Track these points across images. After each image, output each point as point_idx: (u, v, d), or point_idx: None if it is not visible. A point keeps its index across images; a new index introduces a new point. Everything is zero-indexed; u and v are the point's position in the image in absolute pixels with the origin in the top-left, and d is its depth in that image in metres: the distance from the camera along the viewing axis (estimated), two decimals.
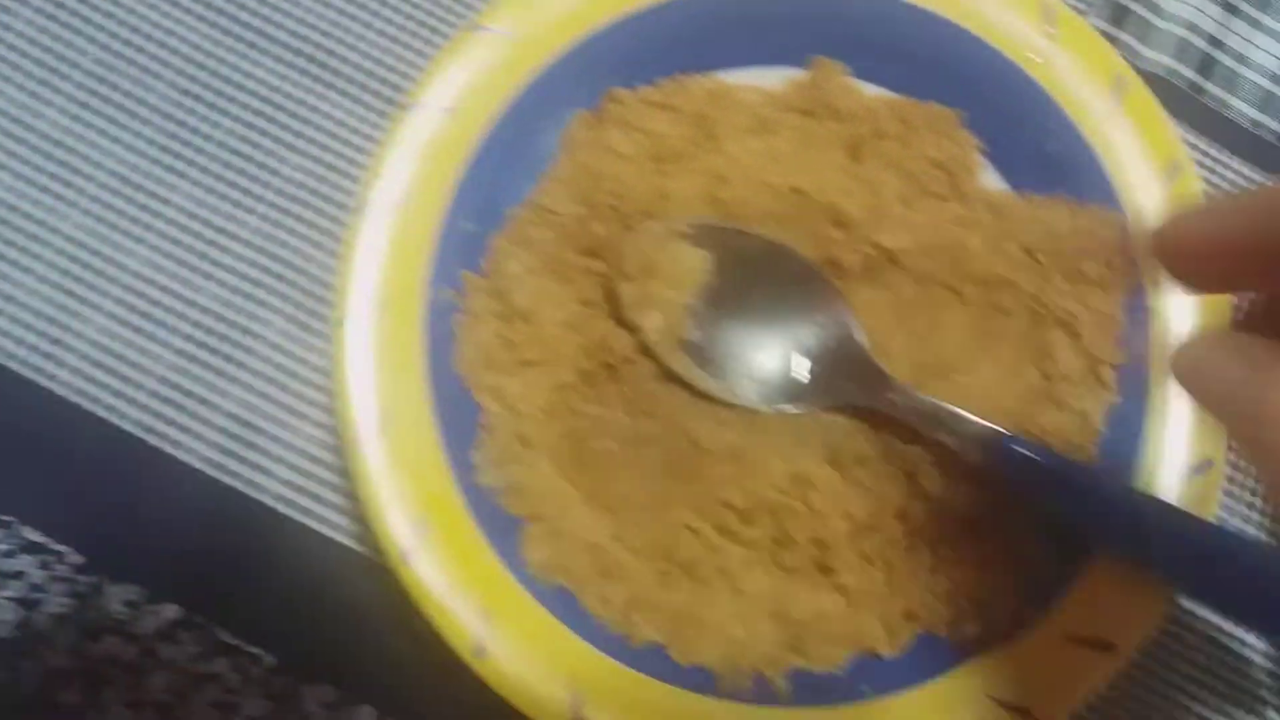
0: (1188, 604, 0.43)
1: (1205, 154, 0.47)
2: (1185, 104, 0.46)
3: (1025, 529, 0.39)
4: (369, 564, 0.40)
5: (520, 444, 0.38)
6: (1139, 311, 0.41)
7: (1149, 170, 0.41)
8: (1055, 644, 0.38)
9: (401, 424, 0.37)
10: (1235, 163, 0.47)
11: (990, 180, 0.43)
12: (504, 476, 0.38)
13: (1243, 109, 0.46)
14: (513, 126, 0.39)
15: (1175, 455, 0.40)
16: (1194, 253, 0.27)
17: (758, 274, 0.40)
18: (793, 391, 0.40)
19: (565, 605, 0.37)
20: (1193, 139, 0.47)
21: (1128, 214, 0.41)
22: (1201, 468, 0.40)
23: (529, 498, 0.38)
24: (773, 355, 0.40)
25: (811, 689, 0.37)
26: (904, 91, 0.42)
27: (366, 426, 0.37)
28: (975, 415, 0.38)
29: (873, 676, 0.38)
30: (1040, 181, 0.42)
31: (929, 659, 0.38)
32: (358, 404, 0.37)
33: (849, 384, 0.39)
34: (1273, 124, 0.48)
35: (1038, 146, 0.42)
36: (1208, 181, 0.46)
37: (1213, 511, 0.40)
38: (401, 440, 0.37)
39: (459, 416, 0.38)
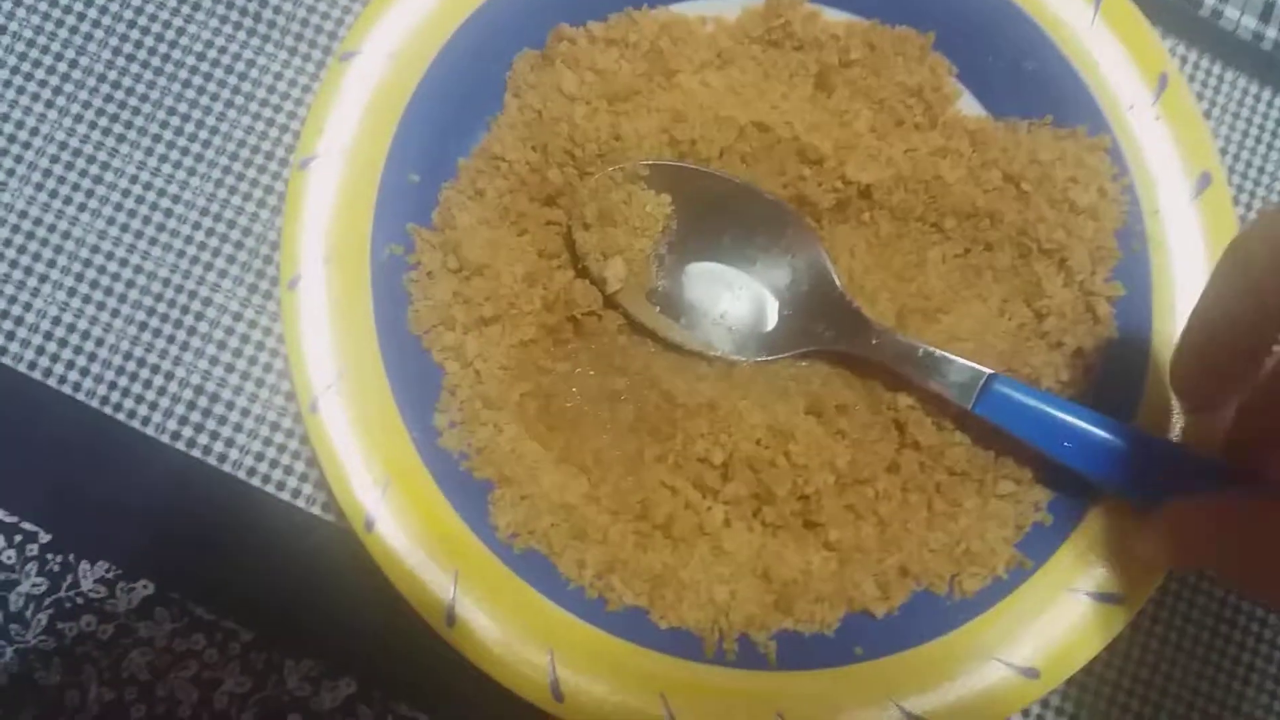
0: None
1: (1197, 66, 0.44)
2: (1176, 14, 0.43)
3: (1024, 476, 0.38)
4: (340, 533, 0.39)
5: (483, 404, 0.37)
6: (1135, 240, 0.39)
7: (1136, 84, 0.39)
8: (1061, 598, 0.36)
9: (357, 388, 0.36)
10: (1231, 75, 0.44)
11: (967, 106, 0.40)
12: (468, 439, 0.37)
13: (1239, 18, 0.43)
14: (455, 71, 0.37)
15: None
16: (1202, 379, 0.32)
17: (724, 216, 0.38)
18: (767, 339, 0.39)
19: (538, 570, 0.36)
20: (1183, 50, 0.44)
21: (1116, 134, 0.39)
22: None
23: (495, 460, 0.37)
24: (743, 301, 0.39)
25: (801, 652, 0.36)
26: (870, 15, 0.40)
27: (322, 392, 0.35)
28: (961, 357, 0.36)
29: (866, 637, 0.36)
30: (1020, 105, 0.40)
31: (927, 618, 0.37)
32: (311, 368, 0.36)
33: (826, 328, 0.38)
34: (1274, 33, 0.45)
35: (1015, 67, 0.39)
36: (1200, 96, 0.44)
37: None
38: (358, 405, 0.36)
39: (419, 378, 0.37)
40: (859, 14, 0.40)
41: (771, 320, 0.39)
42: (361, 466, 0.35)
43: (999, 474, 0.38)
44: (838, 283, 0.38)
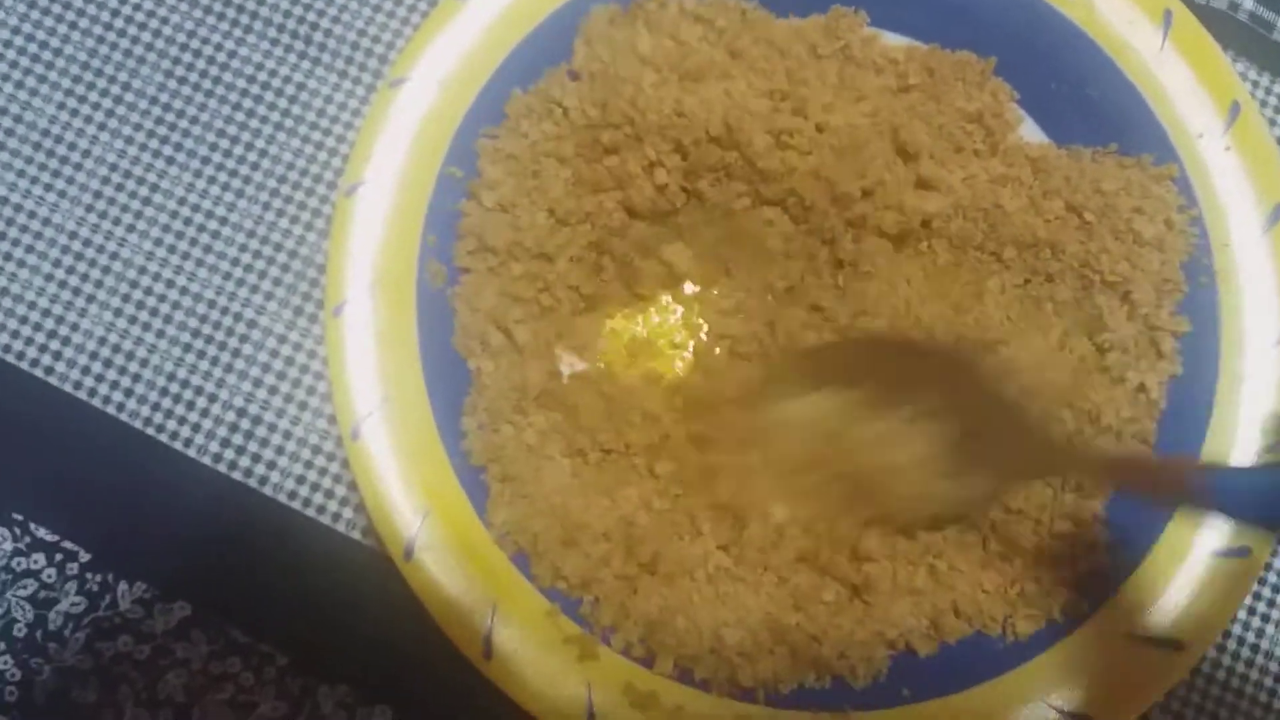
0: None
1: (1270, 92, 0.42)
2: (1249, 38, 0.42)
3: (1082, 515, 0.36)
4: (379, 559, 0.38)
5: (516, 396, 0.36)
6: (1203, 274, 0.37)
7: (1206, 112, 0.37)
8: (1118, 643, 0.35)
9: (399, 415, 0.35)
10: None
11: (1029, 133, 0.39)
12: (491, 439, 0.36)
13: None
14: (504, 99, 0.37)
15: (1248, 435, 0.36)
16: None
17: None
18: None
19: (578, 605, 0.35)
20: (1254, 75, 0.42)
21: (1184, 164, 0.38)
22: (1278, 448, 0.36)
23: (503, 458, 0.36)
24: None
25: (844, 691, 0.35)
26: (930, 39, 0.39)
27: (364, 419, 0.35)
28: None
29: (914, 679, 0.35)
30: (1085, 133, 0.38)
31: (977, 661, 0.35)
32: (354, 395, 0.35)
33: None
34: None
35: (1079, 93, 0.38)
36: (1273, 123, 0.42)
37: None
38: (400, 433, 0.35)
39: (452, 393, 0.36)
40: (918, 38, 0.39)
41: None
42: (402, 495, 0.35)
43: (1056, 513, 0.36)
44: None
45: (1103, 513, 0.36)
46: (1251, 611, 0.39)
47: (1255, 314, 0.37)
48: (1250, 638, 0.39)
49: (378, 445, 0.35)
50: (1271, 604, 0.39)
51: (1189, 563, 0.35)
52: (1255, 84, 0.42)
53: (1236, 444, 0.36)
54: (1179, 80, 0.37)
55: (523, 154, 0.37)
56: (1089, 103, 0.38)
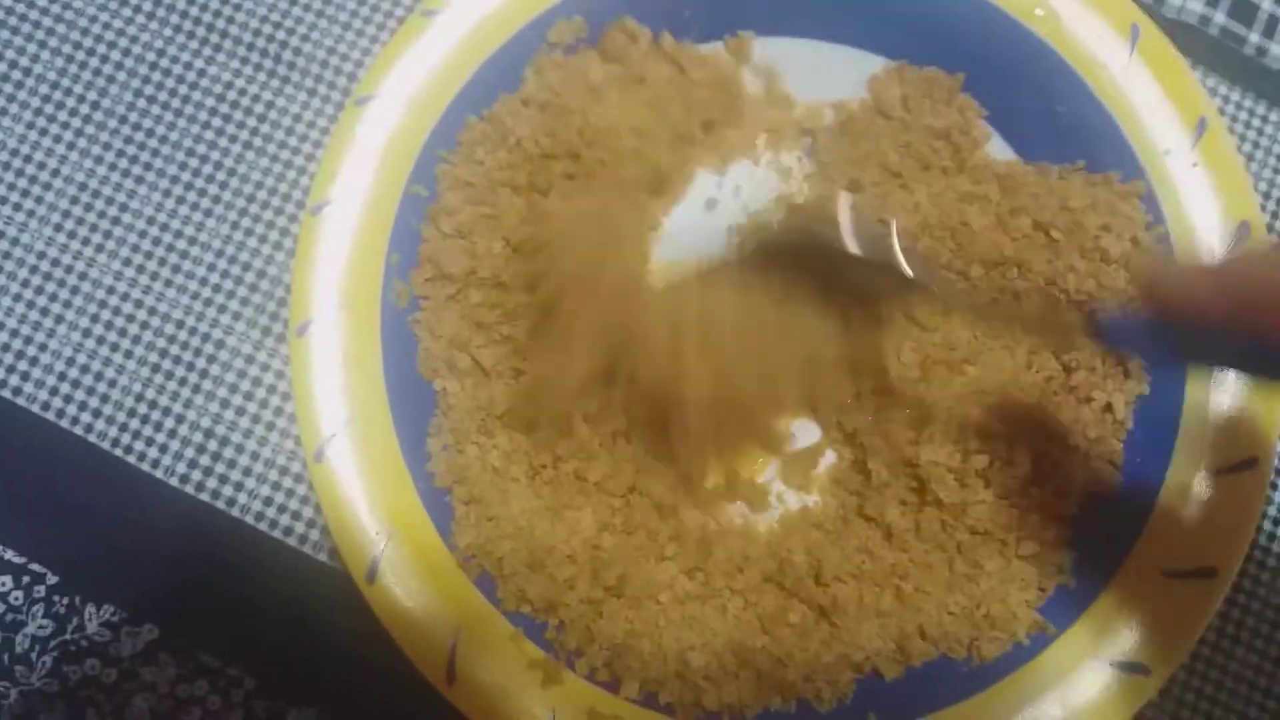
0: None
1: (1240, 107, 0.42)
2: (1219, 53, 0.41)
3: (1047, 536, 0.36)
4: (346, 581, 0.38)
5: (481, 417, 0.36)
6: None
7: (1173, 129, 0.37)
8: (1084, 665, 0.35)
9: (363, 436, 0.35)
10: (1276, 115, 0.42)
11: (997, 149, 0.39)
12: (456, 459, 0.36)
13: None
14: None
15: (1216, 451, 0.36)
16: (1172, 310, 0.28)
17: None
18: None
19: (541, 629, 0.35)
20: (1225, 90, 0.42)
21: (1151, 181, 0.37)
22: (1245, 465, 0.36)
23: (469, 479, 0.36)
24: None
25: (798, 715, 0.35)
26: (898, 56, 0.39)
27: (327, 440, 0.35)
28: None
29: (880, 703, 0.35)
30: (1053, 149, 0.38)
31: (943, 684, 0.35)
32: (318, 416, 0.35)
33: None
34: None
35: (1047, 110, 0.38)
36: (1243, 138, 0.42)
37: (1257, 511, 0.36)
38: (364, 453, 0.35)
39: (417, 415, 0.36)
40: (887, 54, 0.39)
41: None
42: (365, 516, 0.35)
43: (1022, 534, 0.36)
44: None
45: (1069, 534, 0.36)
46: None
47: None
48: (1219, 659, 0.39)
49: (341, 467, 0.35)
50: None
51: (1150, 587, 0.35)
52: (1226, 99, 0.42)
53: (1204, 459, 0.36)
54: (1146, 96, 0.37)
55: (478, 181, 0.37)
56: (1057, 119, 0.38)
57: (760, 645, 0.35)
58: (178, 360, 0.39)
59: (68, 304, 0.40)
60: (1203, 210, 0.37)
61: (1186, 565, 0.35)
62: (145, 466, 0.39)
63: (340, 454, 0.35)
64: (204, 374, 0.39)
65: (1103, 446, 0.37)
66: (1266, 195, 0.42)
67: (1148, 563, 0.35)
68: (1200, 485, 0.36)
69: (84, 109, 0.41)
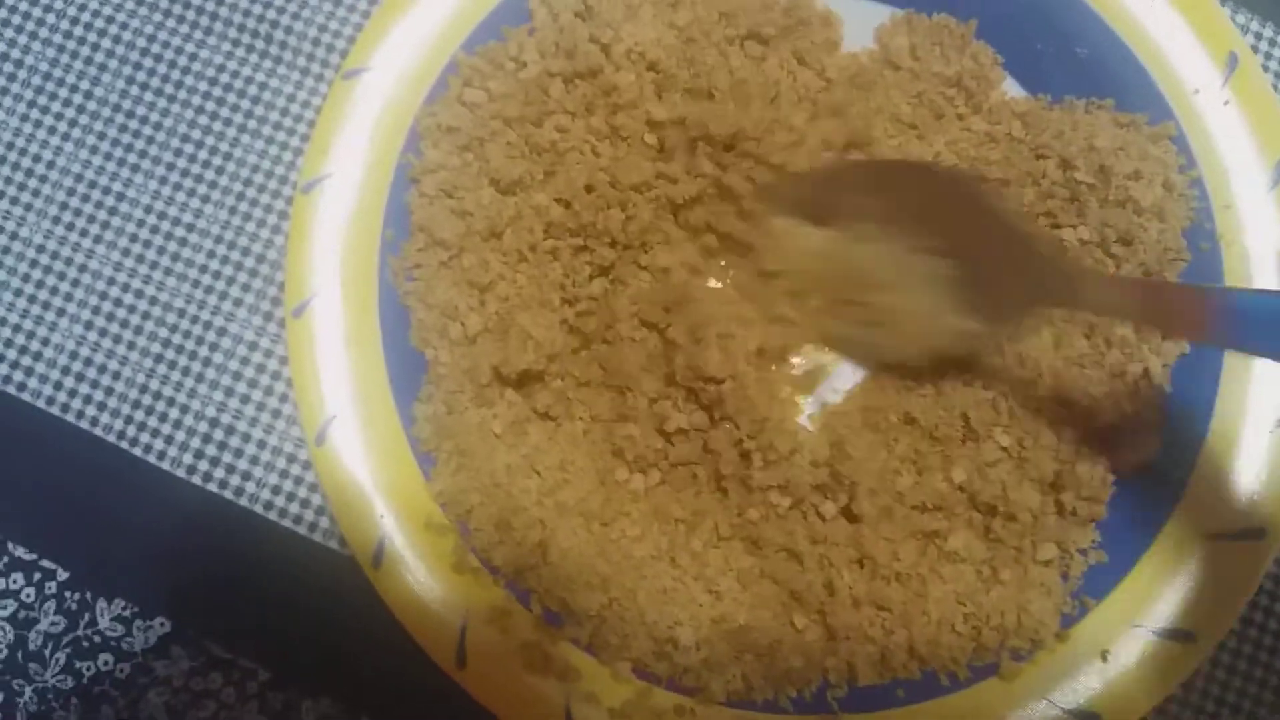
0: None
1: (1274, 43, 0.40)
2: None
3: (1048, 555, 0.34)
4: (355, 567, 0.37)
5: (469, 383, 0.35)
6: (1204, 238, 0.35)
7: (1202, 65, 0.35)
8: (1130, 634, 0.33)
9: (365, 417, 0.34)
10: None
11: (1014, 92, 0.37)
12: (443, 421, 0.35)
13: None
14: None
15: (1258, 407, 0.34)
16: None
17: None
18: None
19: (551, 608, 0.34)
20: (1257, 26, 0.40)
21: (1181, 122, 0.35)
22: None
23: (456, 433, 0.34)
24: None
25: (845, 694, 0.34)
26: (906, 5, 0.37)
27: (328, 423, 0.34)
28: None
29: (907, 680, 0.34)
30: (1075, 94, 0.36)
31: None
32: (317, 399, 0.34)
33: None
34: None
35: (1066, 52, 0.36)
36: (1277, 75, 0.40)
37: None
38: (366, 435, 0.34)
39: (414, 393, 0.35)
40: (894, 4, 0.37)
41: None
42: (370, 500, 0.34)
43: (1039, 537, 0.34)
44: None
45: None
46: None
47: (1262, 278, 0.34)
48: (1276, 625, 0.37)
49: (344, 448, 0.34)
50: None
51: (1193, 551, 0.33)
52: (1258, 36, 0.40)
53: (1246, 417, 0.34)
54: (1172, 32, 0.35)
55: (464, 123, 0.35)
56: (1077, 62, 0.36)
57: (743, 622, 0.33)
58: (180, 350, 0.39)
59: (69, 297, 0.39)
60: (1237, 150, 0.35)
61: (1232, 527, 0.33)
62: (151, 459, 0.38)
63: (342, 436, 0.34)
64: (207, 363, 0.39)
65: (1142, 416, 0.34)
66: None
67: (1189, 527, 0.34)
68: (1246, 444, 0.34)
69: (77, 99, 0.40)
